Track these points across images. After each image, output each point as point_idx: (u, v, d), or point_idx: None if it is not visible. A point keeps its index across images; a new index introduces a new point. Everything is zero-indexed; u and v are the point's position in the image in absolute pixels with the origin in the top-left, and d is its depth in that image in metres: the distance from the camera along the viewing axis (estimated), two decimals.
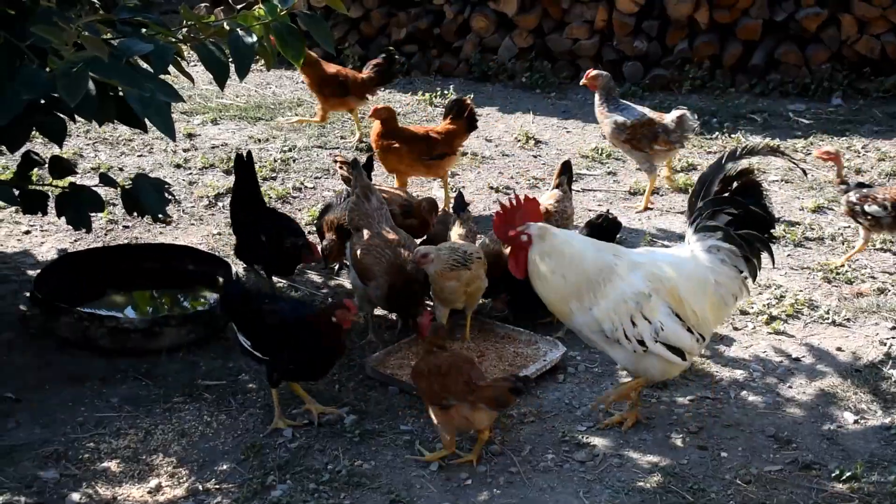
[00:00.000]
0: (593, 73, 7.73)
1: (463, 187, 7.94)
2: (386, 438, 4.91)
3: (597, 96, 7.71)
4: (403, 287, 5.52)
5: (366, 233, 5.73)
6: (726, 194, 4.96)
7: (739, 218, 4.89)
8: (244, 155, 6.38)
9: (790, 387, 5.42)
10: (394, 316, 5.96)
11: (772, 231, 5.04)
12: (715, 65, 10.45)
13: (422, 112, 9.73)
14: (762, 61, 10.30)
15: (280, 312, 5.01)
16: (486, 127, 9.31)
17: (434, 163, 7.41)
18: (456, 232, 5.99)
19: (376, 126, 7.38)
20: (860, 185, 6.64)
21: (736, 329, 5.96)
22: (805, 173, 5.70)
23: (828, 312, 6.12)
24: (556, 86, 10.57)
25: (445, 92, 10.09)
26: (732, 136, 9.10)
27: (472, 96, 9.91)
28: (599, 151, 8.70)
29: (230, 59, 4.94)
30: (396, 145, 7.25)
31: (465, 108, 7.52)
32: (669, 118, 7.53)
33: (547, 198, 6.48)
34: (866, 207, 6.47)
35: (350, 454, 4.78)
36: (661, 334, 4.73)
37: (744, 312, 6.10)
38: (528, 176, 8.23)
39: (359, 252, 5.68)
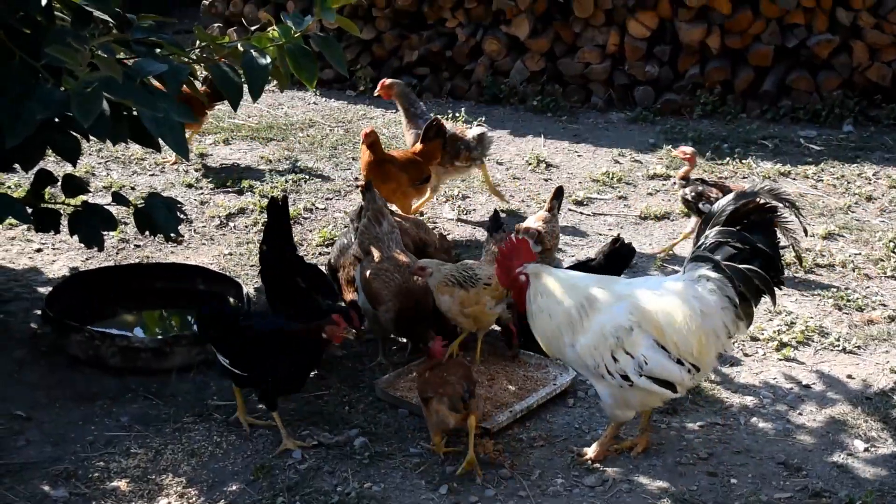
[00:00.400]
0: (388, 81, 7.87)
1: (474, 210, 7.95)
2: (395, 461, 4.90)
3: (401, 110, 7.84)
4: (413, 311, 5.52)
5: (376, 254, 5.71)
6: (736, 227, 4.79)
7: (744, 253, 4.73)
8: (279, 199, 5.85)
9: (800, 414, 5.40)
10: (403, 339, 5.95)
11: (778, 273, 4.82)
12: (726, 90, 10.47)
13: None
14: (773, 87, 10.31)
15: (257, 328, 5.04)
16: (498, 150, 9.30)
17: (423, 186, 7.47)
18: (488, 254, 5.89)
19: (365, 155, 7.21)
20: (703, 182, 7.03)
21: (746, 355, 5.95)
22: (805, 232, 5.25)
23: (838, 339, 6.10)
24: (568, 109, 10.59)
25: (457, 114, 10.10)
26: (743, 161, 9.10)
27: (482, 119, 9.97)
28: (610, 176, 8.70)
29: (243, 80, 4.97)
30: (394, 171, 7.20)
31: (442, 130, 7.52)
32: (471, 134, 7.72)
33: (534, 220, 6.55)
34: (700, 206, 6.83)
35: (359, 476, 4.77)
36: (645, 368, 4.63)
37: (754, 339, 6.09)
38: (539, 199, 8.23)
39: (368, 275, 5.67)
